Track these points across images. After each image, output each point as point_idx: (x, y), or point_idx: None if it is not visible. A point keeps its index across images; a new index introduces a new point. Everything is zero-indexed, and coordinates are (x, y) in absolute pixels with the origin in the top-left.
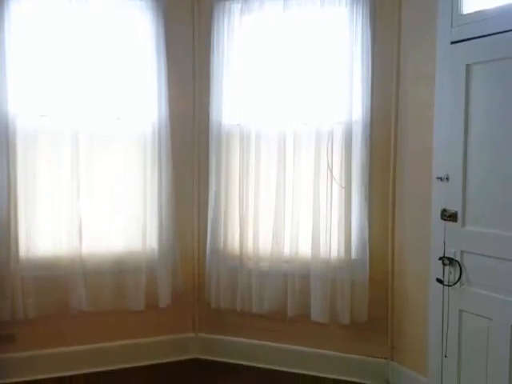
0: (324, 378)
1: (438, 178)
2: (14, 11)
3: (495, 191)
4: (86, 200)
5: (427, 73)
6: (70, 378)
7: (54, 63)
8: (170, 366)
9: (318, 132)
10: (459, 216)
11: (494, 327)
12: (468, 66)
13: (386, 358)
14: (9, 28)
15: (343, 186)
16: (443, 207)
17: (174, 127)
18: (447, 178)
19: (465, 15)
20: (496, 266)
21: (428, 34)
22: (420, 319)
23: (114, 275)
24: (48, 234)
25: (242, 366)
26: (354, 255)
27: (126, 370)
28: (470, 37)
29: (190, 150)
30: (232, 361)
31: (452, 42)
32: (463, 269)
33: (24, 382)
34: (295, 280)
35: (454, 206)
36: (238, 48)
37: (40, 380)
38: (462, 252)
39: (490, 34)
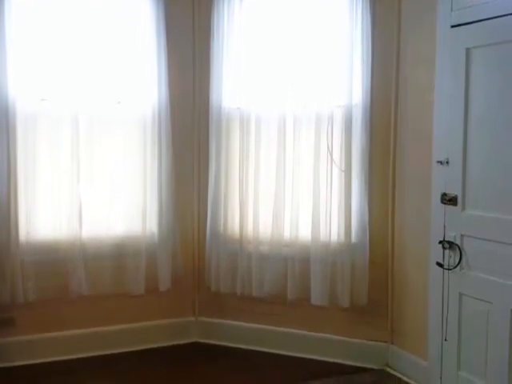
0: (324, 362)
1: (437, 161)
2: None
3: (495, 175)
4: (86, 183)
5: (427, 57)
6: (70, 361)
7: (54, 47)
8: (169, 350)
9: (318, 115)
10: (459, 200)
11: (494, 311)
12: (468, 50)
13: (385, 342)
14: (9, 11)
15: (343, 169)
16: (443, 191)
17: (174, 111)
18: (447, 162)
19: None
20: (496, 250)
21: (428, 18)
22: (420, 303)
23: (114, 259)
24: (48, 217)
25: (241, 349)
26: (353, 239)
27: (125, 353)
28: (470, 21)
29: (190, 133)
30: (232, 344)
31: (452, 26)
32: (463, 252)
33: (24, 365)
34: (295, 263)
35: (454, 190)
36: (238, 31)
37: (40, 364)
38: (461, 236)
39: (490, 18)
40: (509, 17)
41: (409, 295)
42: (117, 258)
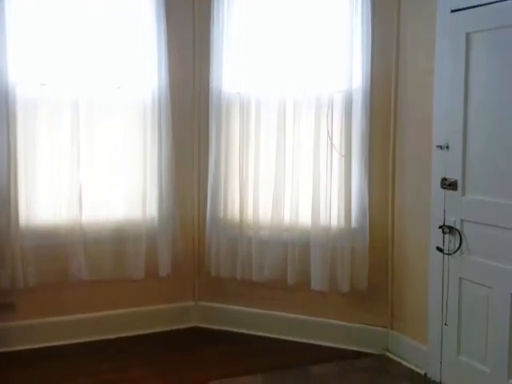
0: (323, 346)
1: (437, 146)
2: None
3: (495, 160)
4: (86, 168)
5: (427, 41)
6: (70, 346)
7: (54, 32)
8: (169, 335)
9: (318, 100)
10: (459, 185)
11: (494, 295)
12: (468, 35)
13: (385, 327)
14: None
15: (343, 154)
16: (443, 176)
17: (174, 95)
18: (447, 147)
19: None
20: (496, 235)
21: (428, 3)
22: (420, 287)
23: (114, 244)
24: (48, 202)
25: (241, 334)
26: (353, 223)
27: (125, 338)
28: (469, 5)
29: (190, 118)
30: (232, 329)
31: (452, 11)
32: (463, 237)
33: (24, 350)
34: (295, 248)
35: (454, 175)
36: (238, 16)
37: (40, 348)
38: (462, 221)
39: (490, 3)
40: (509, 1)
41: (409, 280)
42: (117, 242)
